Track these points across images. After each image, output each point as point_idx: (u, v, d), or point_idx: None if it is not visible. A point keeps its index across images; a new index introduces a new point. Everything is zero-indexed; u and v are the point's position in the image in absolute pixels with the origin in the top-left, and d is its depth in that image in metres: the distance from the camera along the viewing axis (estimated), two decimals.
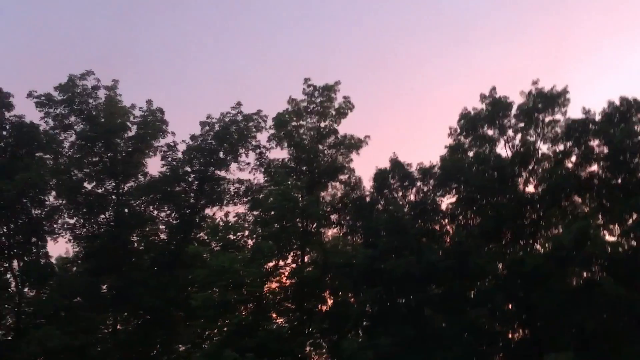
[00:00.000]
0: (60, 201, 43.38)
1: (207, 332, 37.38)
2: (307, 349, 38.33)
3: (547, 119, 40.40)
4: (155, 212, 44.93)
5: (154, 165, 52.68)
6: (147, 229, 44.52)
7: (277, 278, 38.57)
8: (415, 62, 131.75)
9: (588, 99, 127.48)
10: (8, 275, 41.46)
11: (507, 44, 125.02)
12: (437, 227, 40.64)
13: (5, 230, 42.23)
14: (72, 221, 43.66)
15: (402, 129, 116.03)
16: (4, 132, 42.13)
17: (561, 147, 39.77)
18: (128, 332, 41.58)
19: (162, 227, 45.12)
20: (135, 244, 44.12)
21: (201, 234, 43.50)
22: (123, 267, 41.25)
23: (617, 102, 37.69)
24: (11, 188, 38.56)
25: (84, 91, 42.81)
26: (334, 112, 42.98)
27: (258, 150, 44.83)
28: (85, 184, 43.56)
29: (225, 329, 35.21)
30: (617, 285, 31.24)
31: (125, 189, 44.19)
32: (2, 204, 40.24)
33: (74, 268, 43.53)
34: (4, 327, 41.12)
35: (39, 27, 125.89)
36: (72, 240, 43.73)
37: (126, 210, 43.81)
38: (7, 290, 40.88)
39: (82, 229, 43.79)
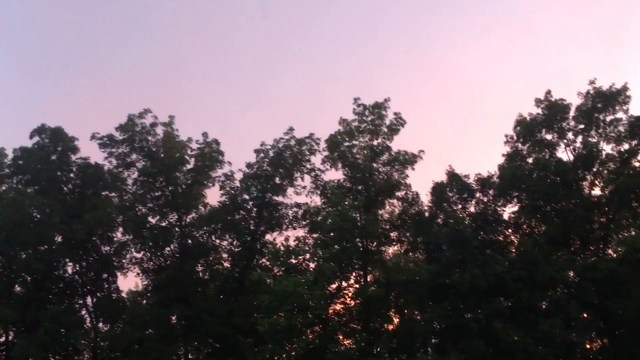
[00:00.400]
0: (127, 237, 44.96)
1: (275, 358, 37.50)
2: None
3: (609, 118, 39.23)
4: (218, 241, 45.75)
5: (213, 196, 53.84)
6: (211, 258, 45.38)
7: (341, 299, 38.41)
8: (466, 70, 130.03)
9: None
10: (83, 312, 43.28)
11: (560, 43, 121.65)
12: (500, 238, 39.79)
13: (77, 268, 44.20)
14: (139, 255, 45.10)
15: (456, 140, 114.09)
16: (72, 175, 44.24)
17: (626, 146, 38.52)
18: None
19: (225, 255, 45.87)
20: (201, 274, 44.98)
21: (263, 259, 43.91)
22: (190, 297, 42.06)
23: None
24: (81, 227, 40.40)
25: (143, 129, 44.42)
26: (385, 129, 42.89)
27: (313, 173, 45.05)
28: (150, 219, 44.92)
29: (293, 353, 35.23)
30: None
31: (188, 220, 45.29)
32: (73, 243, 42.16)
33: (144, 301, 44.79)
34: None
35: (92, 69, 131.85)
36: (141, 274, 45.13)
37: (190, 241, 44.84)
38: (83, 326, 42.54)
39: (149, 262, 45.09)
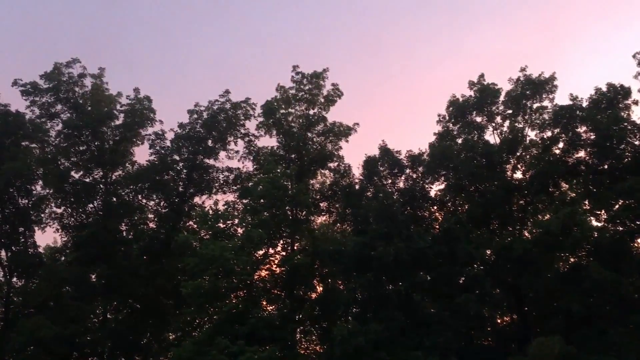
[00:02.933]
0: (48, 190, 43.18)
1: (197, 321, 37.41)
2: (298, 336, 38.59)
3: (535, 105, 40.75)
4: (144, 201, 44.74)
5: (142, 154, 52.50)
6: (136, 218, 44.34)
7: (267, 266, 38.52)
8: (404, 47, 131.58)
9: (576, 84, 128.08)
10: None
11: (496, 28, 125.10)
12: (426, 214, 40.97)
13: None
14: (59, 210, 43.50)
15: (391, 116, 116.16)
16: None
17: (549, 133, 40.17)
18: (118, 321, 41.48)
19: (151, 216, 44.98)
20: (124, 233, 43.86)
21: (190, 222, 43.40)
22: (112, 256, 40.97)
23: (604, 89, 38.05)
24: None
25: (70, 79, 42.40)
26: (322, 100, 42.91)
27: (247, 139, 44.67)
28: (73, 173, 43.24)
29: (215, 317, 35.22)
30: (603, 269, 31.66)
31: (114, 177, 44.00)
32: None
33: (63, 258, 43.35)
34: None
35: (24, 14, 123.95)
36: (60, 230, 43.55)
37: (114, 199, 43.55)
38: None
39: (70, 218, 43.56)
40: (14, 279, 41.65)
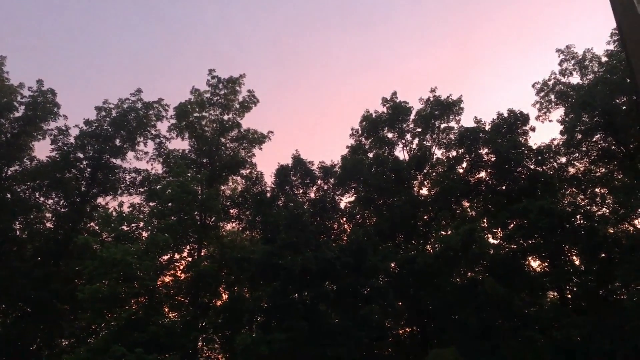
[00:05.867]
0: None
1: (93, 327, 35.68)
2: (200, 343, 37.80)
3: (443, 125, 42.59)
4: (42, 199, 42.24)
5: (43, 150, 49.62)
6: (32, 216, 41.71)
7: (172, 271, 37.54)
8: (322, 59, 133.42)
9: (481, 108, 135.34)
10: None
11: (412, 47, 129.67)
12: (335, 225, 41.54)
13: None
14: None
15: (305, 127, 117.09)
16: None
17: (454, 153, 42.04)
18: (5, 325, 38.74)
19: (48, 215, 42.50)
20: (18, 232, 41.16)
21: (92, 224, 41.48)
22: (3, 256, 38.33)
23: (506, 114, 40.42)
24: None
25: None
26: (237, 106, 42.72)
27: (157, 140, 43.51)
28: None
29: (113, 323, 33.76)
30: (498, 284, 33.40)
31: (9, 172, 41.20)
32: None
33: None
34: None
35: None
36: None
37: (9, 195, 40.78)
38: None
39: None
40: None
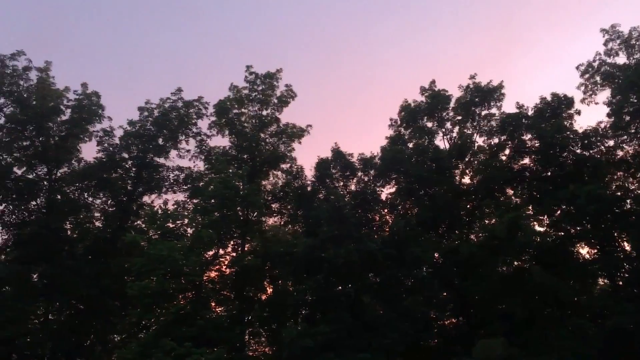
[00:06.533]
0: None
1: (143, 322, 36.60)
2: (247, 337, 38.38)
3: (484, 112, 41.89)
4: (90, 199, 43.55)
5: (90, 151, 51.02)
6: (82, 216, 43.05)
7: (217, 267, 38.14)
8: (359, 50, 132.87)
9: (523, 93, 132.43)
10: None
11: (450, 35, 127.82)
12: (376, 217, 41.42)
13: None
14: (0, 207, 41.73)
15: (344, 119, 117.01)
16: None
17: (496, 140, 41.32)
18: (60, 322, 40.17)
19: (97, 214, 43.82)
20: (69, 232, 42.55)
21: (139, 222, 42.48)
22: (55, 255, 39.65)
23: (549, 98, 39.42)
24: None
25: (14, 72, 40.81)
26: (275, 101, 42.96)
27: (199, 138, 44.20)
28: (15, 169, 41.55)
29: (162, 318, 34.57)
30: (544, 273, 32.72)
31: (59, 174, 42.56)
32: None
33: (2, 256, 41.64)
34: None
35: None
36: (1, 228, 41.80)
37: (59, 196, 42.15)
38: None
39: (12, 215, 41.84)
40: None
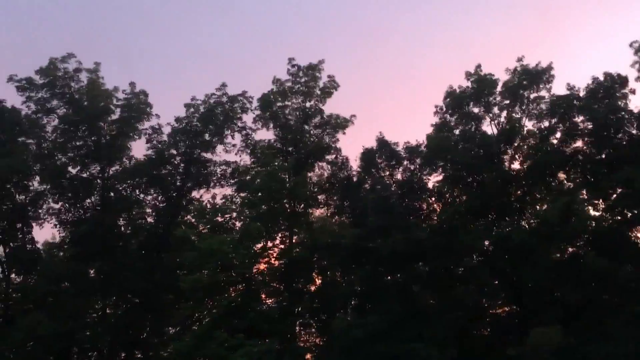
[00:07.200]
0: (45, 186, 42.95)
1: (196, 315, 37.43)
2: (297, 328, 38.70)
3: (532, 95, 40.60)
4: (142, 195, 44.65)
5: (139, 149, 52.06)
6: (134, 212, 44.22)
7: (266, 259, 38.55)
8: (400, 37, 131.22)
9: (573, 74, 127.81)
10: None
11: (494, 17, 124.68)
12: (424, 206, 40.89)
13: None
14: (57, 206, 43.32)
15: (388, 107, 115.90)
16: None
17: (546, 123, 40.05)
18: (117, 317, 41.49)
19: (148, 210, 44.88)
20: (122, 228, 43.85)
21: (188, 216, 43.27)
22: (110, 251, 40.95)
23: (601, 78, 37.94)
24: None
25: (66, 74, 42.21)
26: (318, 92, 42.88)
27: (244, 132, 44.60)
28: (70, 169, 43.08)
29: (214, 310, 35.25)
30: (601, 258, 31.66)
31: (111, 172, 43.80)
32: None
33: (61, 253, 43.24)
34: None
35: (18, 9, 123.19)
36: (58, 226, 43.44)
37: (112, 194, 43.48)
38: None
39: (68, 213, 43.43)
40: (13, 275, 41.70)
